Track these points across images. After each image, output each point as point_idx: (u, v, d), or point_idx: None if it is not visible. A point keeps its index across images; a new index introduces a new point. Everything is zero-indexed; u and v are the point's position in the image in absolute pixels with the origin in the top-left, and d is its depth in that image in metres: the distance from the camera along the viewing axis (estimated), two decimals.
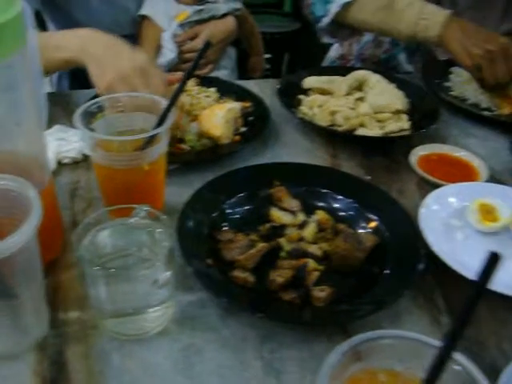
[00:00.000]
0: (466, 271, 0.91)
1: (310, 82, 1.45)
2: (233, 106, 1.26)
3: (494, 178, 1.25)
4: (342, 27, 1.69)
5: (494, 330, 0.89)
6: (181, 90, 0.96)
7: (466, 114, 1.50)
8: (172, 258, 0.79)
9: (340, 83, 1.42)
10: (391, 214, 1.03)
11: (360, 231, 1.02)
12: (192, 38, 1.82)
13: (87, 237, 0.80)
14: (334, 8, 1.61)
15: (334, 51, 2.07)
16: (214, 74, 1.90)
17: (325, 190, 1.09)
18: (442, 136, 1.41)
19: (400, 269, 0.93)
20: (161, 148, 0.97)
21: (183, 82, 0.96)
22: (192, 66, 0.93)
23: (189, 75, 0.95)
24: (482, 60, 1.41)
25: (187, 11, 1.84)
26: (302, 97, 1.44)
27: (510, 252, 0.99)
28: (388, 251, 0.97)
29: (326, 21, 1.67)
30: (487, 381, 0.56)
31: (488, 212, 1.07)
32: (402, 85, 1.47)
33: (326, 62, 2.09)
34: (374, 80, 1.42)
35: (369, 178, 1.22)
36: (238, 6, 1.92)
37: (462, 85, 1.59)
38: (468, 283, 0.90)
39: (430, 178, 1.19)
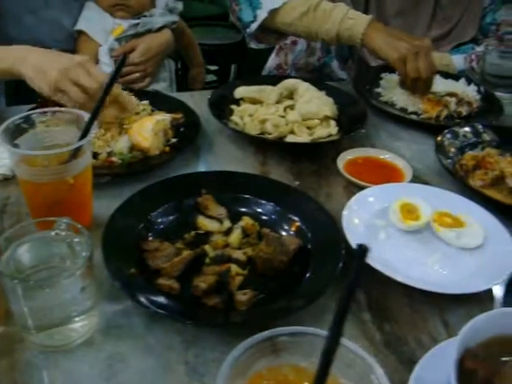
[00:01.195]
0: (386, 268, 0.95)
1: (240, 91, 1.48)
2: (162, 118, 1.28)
3: (418, 179, 1.30)
4: (270, 32, 1.73)
5: (413, 324, 0.92)
6: (102, 103, 0.98)
7: (394, 119, 1.55)
8: (91, 269, 0.81)
9: (270, 92, 1.45)
10: (314, 217, 1.06)
11: (283, 234, 1.04)
12: (129, 52, 1.83)
13: (7, 252, 0.80)
14: (261, 14, 1.64)
15: (271, 61, 2.11)
16: (152, 87, 1.92)
17: (250, 196, 1.12)
18: (371, 140, 1.46)
19: (322, 269, 0.96)
20: (85, 161, 0.98)
21: (103, 96, 0.97)
22: (109, 80, 0.95)
23: (107, 89, 0.97)
24: (406, 51, 1.46)
25: (123, 25, 1.85)
26: (234, 107, 1.47)
27: (430, 248, 1.05)
28: (311, 253, 1.00)
29: (254, 26, 1.69)
30: (380, 367, 0.59)
31: (410, 211, 1.11)
32: (331, 92, 1.51)
33: (264, 72, 2.13)
34: (303, 88, 1.46)
35: (297, 183, 1.25)
36: (175, 18, 1.94)
37: (391, 90, 1.64)
38: (388, 280, 0.94)
39: (357, 180, 1.23)
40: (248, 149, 1.37)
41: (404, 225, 1.08)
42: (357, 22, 1.52)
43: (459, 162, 1.31)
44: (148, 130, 1.21)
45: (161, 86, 1.96)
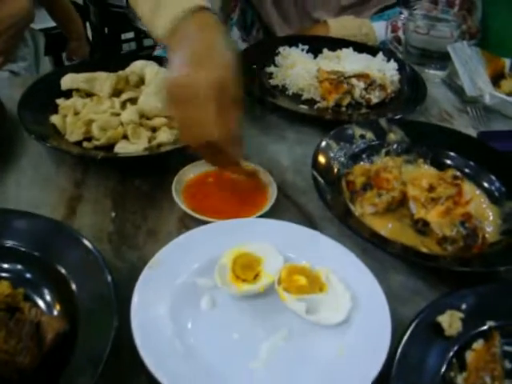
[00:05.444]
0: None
1: (66, 82, 1.09)
2: None
3: (288, 202, 0.93)
4: None
5: None
6: None
7: (280, 110, 1.17)
8: None
9: (104, 81, 1.06)
10: (88, 281, 0.70)
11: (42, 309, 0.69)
12: None
13: None
14: None
15: None
16: (9, 68, 1.53)
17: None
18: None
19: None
20: None
21: None
22: None
23: None
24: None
25: None
26: (60, 101, 1.08)
27: (271, 325, 0.69)
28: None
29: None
30: None
31: (247, 266, 0.76)
32: None
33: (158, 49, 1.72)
34: (152, 73, 1.07)
35: (113, 214, 0.89)
36: None
37: (285, 70, 1.26)
38: None
39: (192, 213, 0.86)
40: (65, 162, 1.00)
41: (234, 289, 0.72)
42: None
43: (346, 178, 0.94)
44: None
45: (19, 67, 1.58)
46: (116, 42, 2.84)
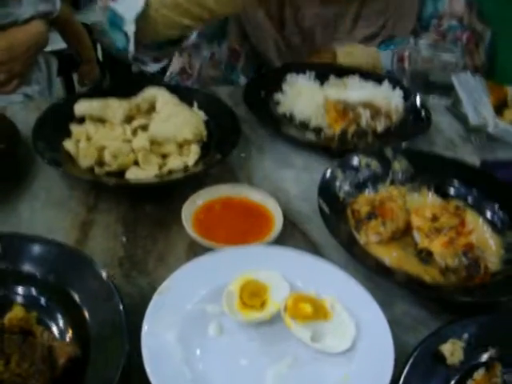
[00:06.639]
0: None
1: (80, 108, 1.12)
2: None
3: (295, 230, 0.95)
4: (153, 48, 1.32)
5: None
6: None
7: (287, 137, 1.20)
8: None
9: (117, 108, 1.09)
10: (100, 308, 0.72)
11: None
12: None
13: None
14: (129, 28, 1.20)
15: (174, 63, 1.73)
16: (23, 90, 1.57)
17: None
18: (250, 168, 1.11)
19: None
20: None
21: None
22: None
23: None
24: None
25: None
26: (74, 127, 1.11)
27: (277, 352, 0.71)
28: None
29: (131, 47, 1.24)
30: None
31: (254, 294, 0.78)
32: (203, 102, 1.16)
33: (166, 78, 1.76)
34: (163, 101, 1.10)
35: (124, 239, 0.91)
36: (50, 8, 1.58)
37: (294, 97, 1.29)
38: None
39: (201, 239, 0.88)
40: (80, 185, 1.03)
41: (241, 316, 0.74)
42: None
43: (351, 207, 0.96)
44: None
45: (33, 90, 1.61)
46: (126, 62, 2.89)
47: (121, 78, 2.68)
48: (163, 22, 1.20)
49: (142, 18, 1.18)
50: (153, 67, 1.46)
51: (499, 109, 1.37)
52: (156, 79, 1.58)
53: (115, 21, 1.22)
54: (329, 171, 1.00)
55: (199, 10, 1.15)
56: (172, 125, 1.06)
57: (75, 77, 2.02)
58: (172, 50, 1.46)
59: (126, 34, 1.21)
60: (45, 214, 0.97)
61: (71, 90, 2.08)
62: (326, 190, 0.96)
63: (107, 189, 1.01)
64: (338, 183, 0.99)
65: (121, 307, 0.70)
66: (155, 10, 1.17)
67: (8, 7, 1.49)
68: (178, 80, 1.70)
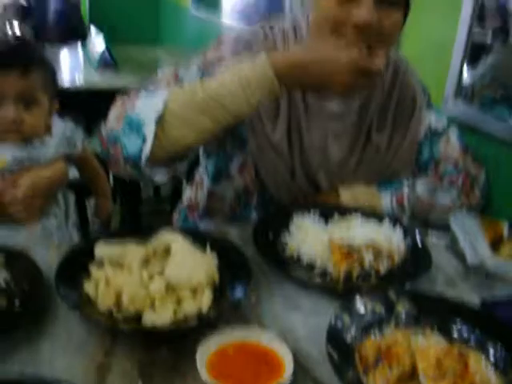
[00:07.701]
0: None
1: (100, 250, 1.19)
2: None
3: (305, 375, 0.99)
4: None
5: None
6: None
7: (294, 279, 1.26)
8: None
9: (134, 253, 1.16)
10: None
11: None
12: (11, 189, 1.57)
13: None
14: (148, 128, 1.22)
15: (187, 193, 1.83)
16: (41, 223, 1.66)
17: None
18: (259, 311, 1.16)
19: None
20: None
21: None
22: None
23: None
24: None
25: (5, 158, 1.60)
26: (93, 269, 1.18)
27: None
28: None
29: (146, 149, 1.24)
30: None
31: None
32: (215, 245, 1.23)
33: (178, 209, 1.85)
34: (177, 246, 1.17)
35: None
36: (72, 150, 1.71)
37: (302, 239, 1.36)
38: None
39: None
40: (97, 329, 1.07)
41: None
42: (251, 65, 1.23)
43: (359, 352, 1.00)
44: None
45: (51, 223, 1.69)
46: (136, 188, 3.08)
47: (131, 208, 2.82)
48: (180, 124, 1.25)
49: (159, 122, 1.22)
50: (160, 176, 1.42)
51: (496, 244, 1.44)
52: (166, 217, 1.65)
53: (132, 125, 1.25)
54: (336, 317, 1.05)
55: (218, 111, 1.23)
56: (186, 269, 1.13)
57: (88, 205, 2.12)
58: (179, 166, 1.45)
59: (143, 137, 1.23)
60: (65, 355, 1.00)
61: (84, 217, 2.15)
62: (334, 336, 1.01)
63: (124, 333, 1.06)
64: (344, 328, 1.04)
65: None
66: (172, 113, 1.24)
67: (33, 149, 1.61)
68: (186, 213, 1.78)
